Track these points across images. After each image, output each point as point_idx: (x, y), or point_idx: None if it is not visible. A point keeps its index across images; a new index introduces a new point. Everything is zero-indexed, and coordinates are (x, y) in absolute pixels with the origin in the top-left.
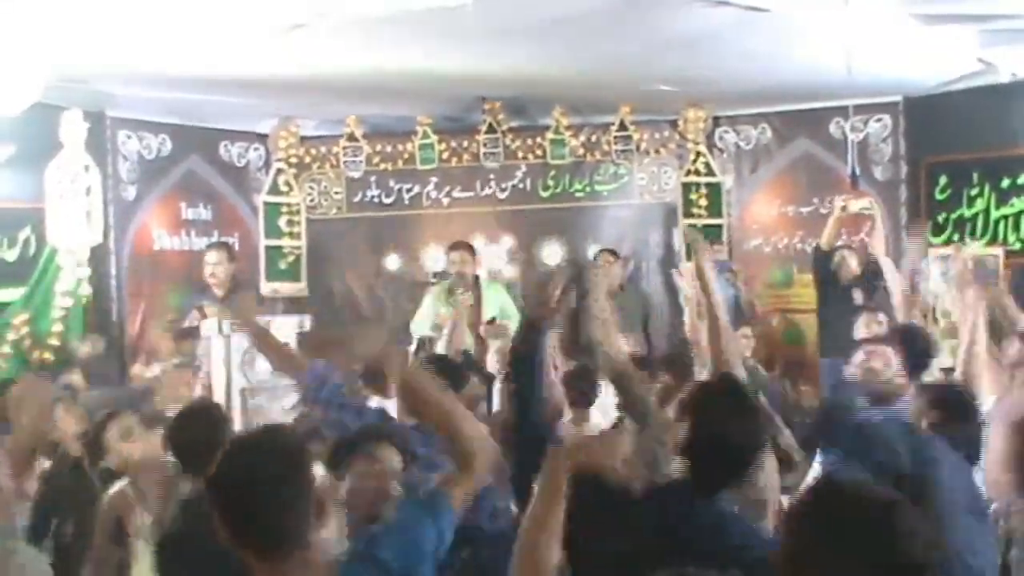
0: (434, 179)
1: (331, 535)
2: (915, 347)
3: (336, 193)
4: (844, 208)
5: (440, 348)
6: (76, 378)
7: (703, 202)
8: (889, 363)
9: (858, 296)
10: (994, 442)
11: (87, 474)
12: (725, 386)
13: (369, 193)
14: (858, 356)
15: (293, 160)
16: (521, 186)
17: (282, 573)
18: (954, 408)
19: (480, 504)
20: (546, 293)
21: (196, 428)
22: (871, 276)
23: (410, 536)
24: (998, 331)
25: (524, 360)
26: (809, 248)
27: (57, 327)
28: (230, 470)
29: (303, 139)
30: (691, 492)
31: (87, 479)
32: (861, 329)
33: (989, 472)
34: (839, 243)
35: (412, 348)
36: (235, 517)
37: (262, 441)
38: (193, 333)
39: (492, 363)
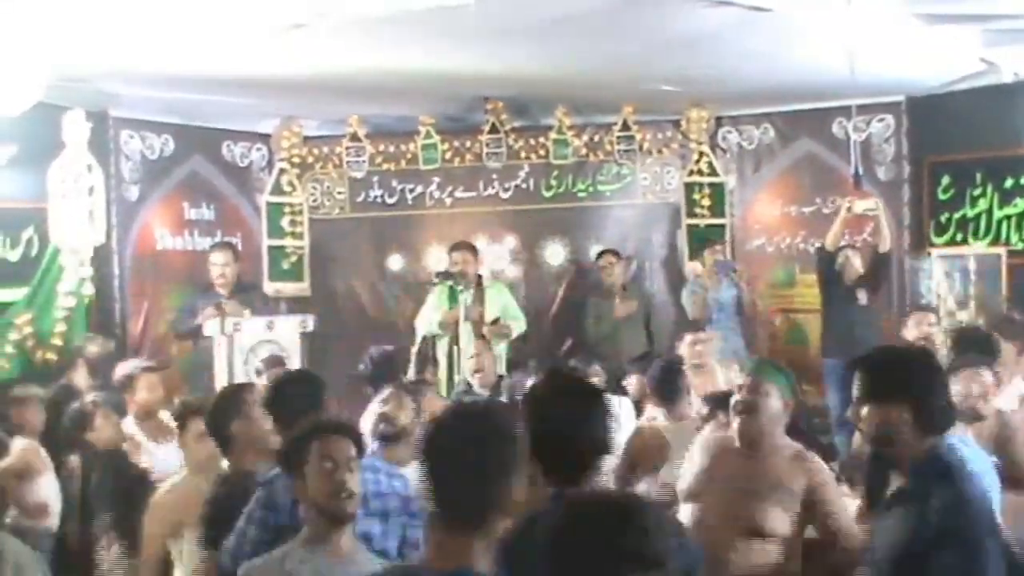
0: (437, 179)
1: None
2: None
3: (339, 193)
4: (850, 209)
5: (442, 346)
6: (79, 377)
7: (706, 202)
8: (986, 388)
9: (862, 296)
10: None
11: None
12: (560, 382)
13: (372, 193)
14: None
15: (296, 160)
16: (524, 186)
17: (466, 545)
18: None
19: None
20: None
21: (295, 393)
22: (876, 276)
23: None
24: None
25: None
26: (812, 248)
27: (60, 327)
28: (439, 438)
29: (306, 139)
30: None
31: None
32: (911, 329)
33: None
34: (842, 243)
35: (415, 349)
36: (434, 484)
37: (479, 415)
38: (196, 332)
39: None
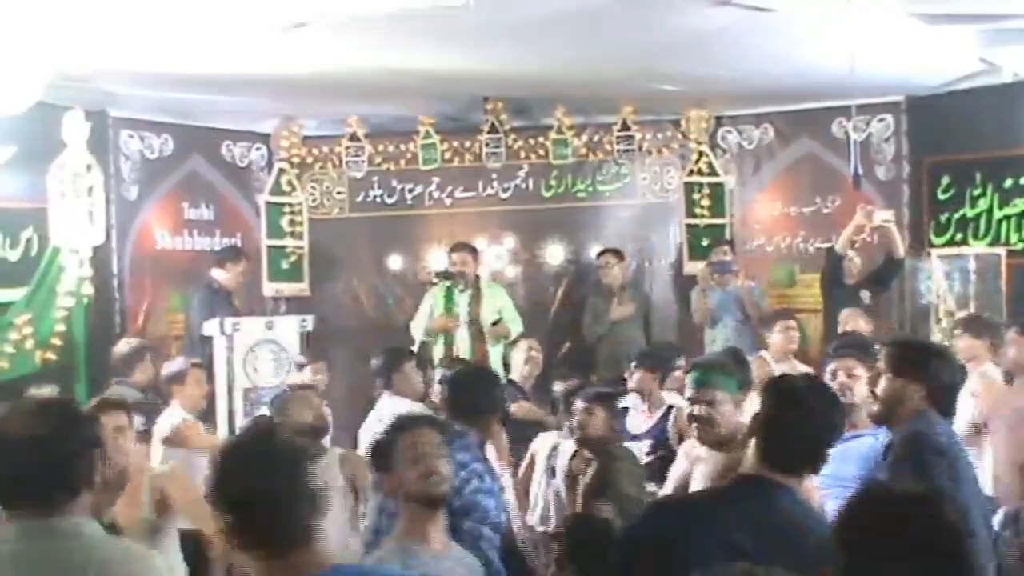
0: (436, 179)
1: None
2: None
3: (338, 193)
4: (868, 217)
5: (437, 353)
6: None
7: (706, 202)
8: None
9: (865, 296)
10: (999, 445)
11: None
12: (802, 376)
13: (371, 193)
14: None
15: (295, 160)
16: (523, 186)
17: (289, 569)
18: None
19: None
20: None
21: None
22: (883, 279)
23: None
24: (986, 330)
25: None
26: (812, 248)
27: (60, 327)
28: (229, 478)
29: (305, 139)
30: (767, 482)
31: None
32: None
33: (997, 477)
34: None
35: (414, 351)
36: (239, 523)
37: (258, 446)
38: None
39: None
